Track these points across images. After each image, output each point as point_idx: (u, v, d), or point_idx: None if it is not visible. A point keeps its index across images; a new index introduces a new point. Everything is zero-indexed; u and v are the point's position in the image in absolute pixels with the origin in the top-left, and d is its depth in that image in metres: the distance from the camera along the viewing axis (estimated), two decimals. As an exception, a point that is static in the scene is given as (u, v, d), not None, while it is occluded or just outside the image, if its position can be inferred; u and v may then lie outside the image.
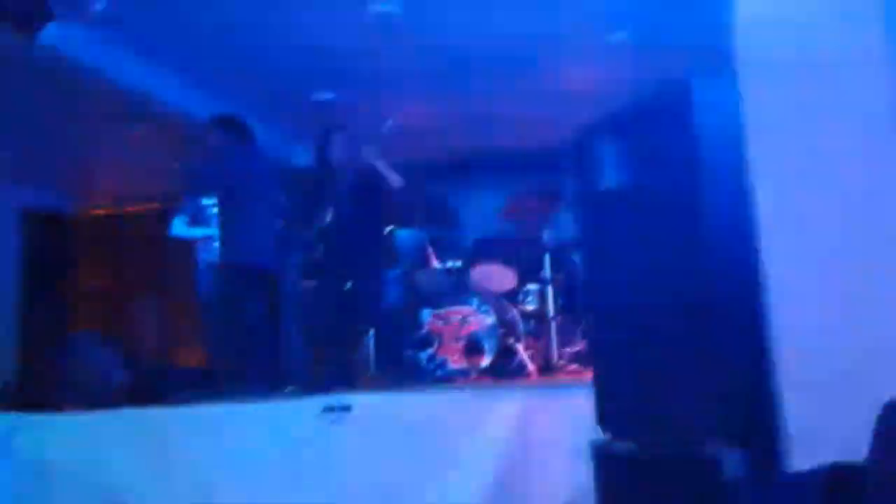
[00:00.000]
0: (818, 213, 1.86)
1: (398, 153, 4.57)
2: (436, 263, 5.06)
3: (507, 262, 4.89)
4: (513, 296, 4.86)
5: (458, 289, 4.86)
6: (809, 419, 1.84)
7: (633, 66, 4.90)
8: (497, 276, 4.86)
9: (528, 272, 4.94)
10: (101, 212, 7.76)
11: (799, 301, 1.87)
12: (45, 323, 6.71)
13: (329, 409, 3.31)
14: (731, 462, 1.88)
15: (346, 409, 3.30)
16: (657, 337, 2.18)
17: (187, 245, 4.98)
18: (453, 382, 4.35)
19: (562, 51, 5.12)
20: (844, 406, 1.76)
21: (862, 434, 1.61)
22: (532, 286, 4.92)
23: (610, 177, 2.39)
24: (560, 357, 4.64)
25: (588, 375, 2.66)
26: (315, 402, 3.39)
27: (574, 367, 4.59)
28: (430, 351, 4.51)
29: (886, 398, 1.59)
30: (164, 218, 5.15)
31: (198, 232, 4.83)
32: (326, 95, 5.67)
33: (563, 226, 6.30)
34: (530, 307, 4.84)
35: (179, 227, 4.86)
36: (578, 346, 4.71)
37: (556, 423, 3.01)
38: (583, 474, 2.38)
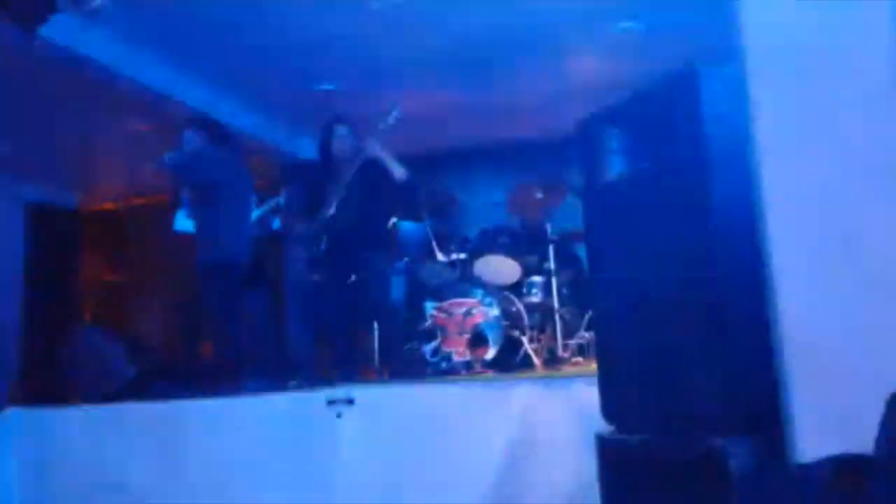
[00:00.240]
0: (826, 203, 1.84)
1: (401, 144, 4.55)
2: (440, 255, 5.04)
3: (511, 253, 4.88)
4: (517, 288, 4.84)
5: (462, 281, 4.84)
6: (817, 410, 1.83)
7: (640, 56, 4.87)
8: (501, 267, 4.84)
9: (533, 264, 4.92)
10: (106, 205, 7.77)
11: (806, 290, 1.85)
12: (51, 317, 6.73)
13: (333, 402, 3.31)
14: (738, 453, 1.87)
15: (350, 402, 3.29)
16: (663, 328, 2.16)
17: (191, 238, 4.98)
18: (458, 375, 4.34)
19: (567, 40, 5.10)
20: (853, 397, 1.74)
21: (870, 425, 1.59)
22: (536, 278, 4.90)
23: (616, 167, 2.37)
24: (565, 349, 4.63)
25: (593, 368, 2.65)
26: (319, 395, 3.39)
27: (579, 359, 4.58)
28: (434, 343, 4.50)
29: (895, 388, 1.57)
30: (170, 211, 5.16)
31: None
32: (329, 86, 5.65)
33: (567, 217, 6.29)
34: (535, 299, 4.83)
35: (182, 220, 4.86)
36: (583, 338, 4.70)
37: (561, 415, 3.00)
38: (588, 467, 2.37)
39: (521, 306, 4.61)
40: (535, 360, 4.40)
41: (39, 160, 6.52)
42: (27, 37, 3.55)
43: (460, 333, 4.45)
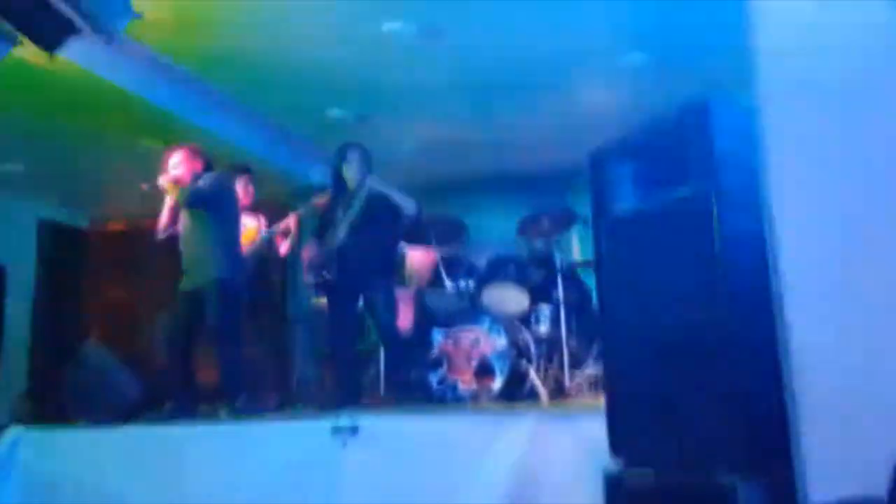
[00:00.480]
0: (839, 239, 1.83)
1: (412, 171, 4.57)
2: (448, 283, 5.03)
3: (519, 283, 4.86)
4: (525, 317, 4.82)
5: (469, 309, 4.83)
6: (829, 450, 1.80)
7: (651, 88, 4.89)
8: (509, 297, 4.82)
9: (541, 294, 4.90)
10: (118, 226, 7.80)
11: (819, 327, 1.83)
12: (60, 335, 6.74)
13: (337, 430, 3.28)
14: (748, 492, 1.84)
15: (354, 430, 3.26)
16: (673, 363, 2.14)
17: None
18: (464, 405, 4.30)
19: (578, 72, 5.13)
20: (866, 438, 1.71)
21: (883, 467, 1.56)
22: (544, 308, 4.88)
23: (627, 199, 2.37)
24: (572, 381, 4.59)
25: (601, 401, 2.62)
26: (323, 423, 3.37)
27: (586, 391, 4.54)
28: (440, 372, 4.47)
29: (909, 430, 1.55)
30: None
31: None
32: (341, 112, 5.69)
33: (576, 248, 6.28)
34: (542, 329, 4.80)
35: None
36: (591, 370, 4.66)
37: (568, 449, 2.96)
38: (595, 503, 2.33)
39: (528, 336, 4.59)
40: (542, 392, 4.36)
41: (53, 179, 6.58)
42: (46, 57, 3.60)
43: (467, 362, 4.42)
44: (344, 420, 3.32)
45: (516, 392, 4.39)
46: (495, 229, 6.33)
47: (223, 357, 4.24)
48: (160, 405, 4.22)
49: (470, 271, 5.12)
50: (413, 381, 4.52)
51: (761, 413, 1.95)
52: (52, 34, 3.41)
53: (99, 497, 3.57)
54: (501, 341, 4.43)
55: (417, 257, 5.31)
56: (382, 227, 4.43)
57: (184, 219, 4.41)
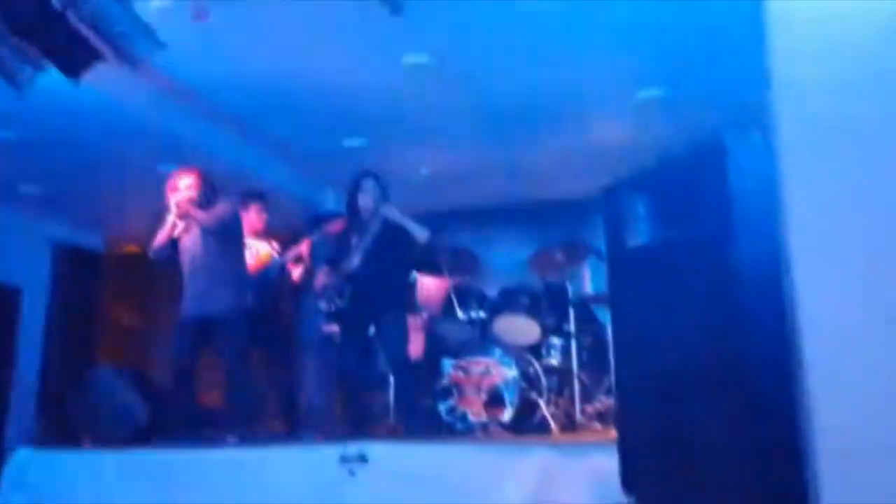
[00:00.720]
0: (857, 275, 1.82)
1: (425, 200, 4.58)
2: (459, 313, 5.02)
3: (531, 314, 4.84)
4: (536, 349, 4.79)
5: (480, 339, 4.81)
6: (845, 491, 1.77)
7: (666, 123, 4.91)
8: (520, 328, 4.80)
9: (552, 325, 4.88)
10: (131, 249, 7.86)
11: (837, 366, 1.81)
12: (72, 358, 6.76)
13: (346, 458, 3.26)
14: (763, 533, 1.81)
15: (363, 459, 3.24)
16: (685, 397, 2.12)
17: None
18: (473, 435, 4.27)
19: (593, 105, 5.16)
20: (883, 480, 1.68)
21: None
22: (556, 340, 4.86)
23: (641, 234, 2.37)
24: (583, 414, 4.55)
25: (612, 435, 2.59)
26: (332, 451, 3.35)
27: (597, 425, 4.49)
28: (450, 402, 4.44)
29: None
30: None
31: None
32: (356, 141, 5.74)
33: (588, 280, 6.26)
34: (554, 361, 4.77)
35: None
36: (602, 403, 4.62)
37: (578, 483, 2.93)
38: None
39: (539, 368, 4.56)
40: (552, 425, 4.32)
41: (68, 201, 6.65)
42: (69, 83, 3.66)
43: (477, 393, 4.39)
44: (352, 448, 3.31)
45: (526, 423, 4.35)
46: (508, 259, 6.33)
47: (232, 383, 4.23)
48: (168, 430, 4.21)
49: (482, 301, 5.11)
50: (423, 410, 4.49)
51: (776, 451, 1.92)
52: (77, 61, 3.47)
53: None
54: (512, 372, 4.40)
55: (429, 286, 5.30)
56: (396, 256, 4.43)
57: (192, 244, 4.40)
